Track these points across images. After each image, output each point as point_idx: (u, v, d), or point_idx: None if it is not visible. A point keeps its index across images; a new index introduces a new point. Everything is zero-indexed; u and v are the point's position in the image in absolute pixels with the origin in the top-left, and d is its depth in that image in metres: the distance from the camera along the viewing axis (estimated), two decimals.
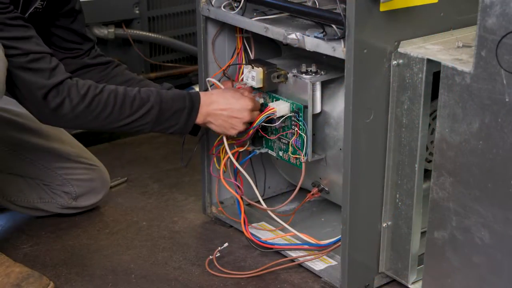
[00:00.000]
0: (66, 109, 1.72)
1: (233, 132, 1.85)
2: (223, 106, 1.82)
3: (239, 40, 1.96)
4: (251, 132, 1.87)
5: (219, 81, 1.94)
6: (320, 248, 1.92)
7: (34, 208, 2.14)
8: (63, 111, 1.72)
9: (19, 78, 1.70)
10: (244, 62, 1.96)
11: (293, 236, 1.99)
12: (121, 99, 1.75)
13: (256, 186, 1.99)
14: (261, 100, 1.90)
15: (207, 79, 1.95)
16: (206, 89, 1.94)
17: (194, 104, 1.80)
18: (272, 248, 1.95)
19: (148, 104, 1.77)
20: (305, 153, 1.84)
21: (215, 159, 2.00)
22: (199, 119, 1.81)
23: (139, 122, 1.78)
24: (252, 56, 1.95)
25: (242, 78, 1.88)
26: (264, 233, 2.03)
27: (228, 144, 1.90)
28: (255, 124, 1.85)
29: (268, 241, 1.96)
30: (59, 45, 1.99)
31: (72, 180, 2.12)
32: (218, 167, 1.97)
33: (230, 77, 1.98)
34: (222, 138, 1.92)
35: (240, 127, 1.84)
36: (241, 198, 1.95)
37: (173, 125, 1.80)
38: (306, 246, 1.94)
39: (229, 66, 1.98)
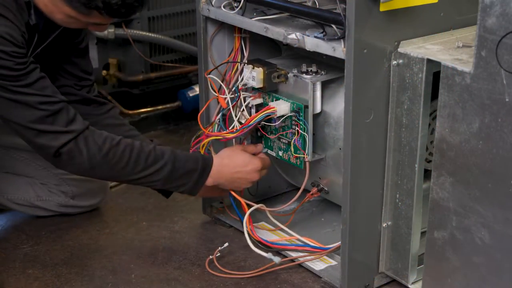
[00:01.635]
0: (83, 158, 1.74)
1: (242, 188, 1.94)
2: (233, 169, 1.89)
3: (236, 40, 1.96)
4: (245, 130, 1.86)
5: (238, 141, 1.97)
6: (322, 252, 1.93)
7: (32, 206, 2.14)
8: (79, 160, 1.75)
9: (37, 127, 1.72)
10: (238, 61, 1.95)
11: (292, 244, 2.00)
12: (137, 153, 1.79)
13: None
14: (260, 100, 1.90)
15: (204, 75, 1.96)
16: (206, 86, 1.95)
17: (206, 167, 1.85)
18: (274, 248, 1.95)
19: (162, 161, 1.81)
20: (307, 152, 1.84)
21: None
22: (209, 181, 1.87)
23: (152, 178, 1.81)
24: (246, 57, 1.95)
25: (242, 78, 1.88)
26: (264, 233, 2.03)
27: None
28: (253, 121, 1.85)
29: (269, 241, 1.97)
30: (64, 75, 2.00)
31: (69, 179, 2.12)
32: None
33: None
34: (200, 135, 1.95)
35: (249, 185, 1.94)
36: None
37: (184, 184, 1.85)
38: (307, 248, 1.94)
39: (222, 64, 1.98)
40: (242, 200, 1.93)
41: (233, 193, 1.94)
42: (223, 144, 1.97)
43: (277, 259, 1.83)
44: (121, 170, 1.78)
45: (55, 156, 1.74)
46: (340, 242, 1.77)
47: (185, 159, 1.84)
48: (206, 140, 1.93)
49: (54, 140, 1.72)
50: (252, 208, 1.92)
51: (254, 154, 1.94)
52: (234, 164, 1.88)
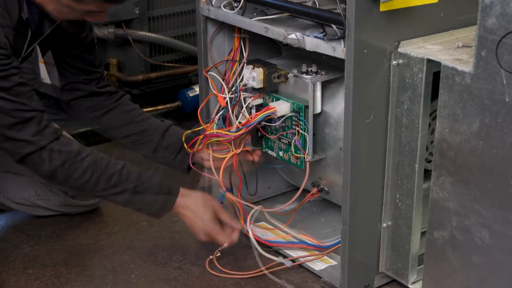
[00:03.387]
0: (45, 171, 1.77)
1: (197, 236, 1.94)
2: (189, 214, 1.89)
3: (236, 40, 1.96)
4: (243, 130, 1.86)
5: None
6: (321, 249, 1.93)
7: (32, 205, 2.14)
8: (42, 170, 1.77)
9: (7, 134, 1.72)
10: (237, 60, 1.95)
11: (294, 236, 2.00)
12: (99, 174, 1.81)
13: (257, 186, 2.00)
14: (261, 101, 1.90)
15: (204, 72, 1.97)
16: (206, 83, 1.94)
17: (167, 203, 1.88)
18: (273, 247, 1.95)
19: (123, 185, 1.83)
20: (308, 152, 1.84)
21: None
22: (173, 210, 1.90)
23: (112, 198, 1.86)
24: (245, 57, 1.95)
25: (242, 78, 1.88)
26: (264, 232, 2.02)
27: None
28: (253, 121, 1.85)
29: (270, 240, 1.97)
30: (71, 70, 2.01)
31: None
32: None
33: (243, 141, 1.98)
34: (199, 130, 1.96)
35: (199, 236, 1.92)
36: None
37: (143, 209, 1.90)
38: (307, 246, 1.94)
39: (221, 63, 1.98)
40: (236, 201, 1.95)
41: (229, 195, 1.96)
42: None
43: (288, 263, 1.84)
44: (82, 185, 1.81)
45: (19, 161, 1.76)
46: (339, 239, 1.77)
47: (149, 188, 1.86)
48: (205, 142, 1.93)
49: (19, 148, 1.73)
50: (253, 210, 1.92)
51: (229, 225, 1.94)
52: (192, 211, 1.90)
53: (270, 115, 1.85)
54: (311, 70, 1.84)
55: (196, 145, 1.94)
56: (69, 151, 1.78)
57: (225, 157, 1.92)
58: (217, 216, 1.92)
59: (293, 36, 1.71)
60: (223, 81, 1.94)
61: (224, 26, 1.98)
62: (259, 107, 1.89)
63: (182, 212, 1.90)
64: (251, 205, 1.97)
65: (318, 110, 1.85)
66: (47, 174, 1.78)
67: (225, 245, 1.94)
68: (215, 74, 1.94)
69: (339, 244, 1.79)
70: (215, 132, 1.91)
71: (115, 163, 1.84)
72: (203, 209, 1.90)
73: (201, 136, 1.93)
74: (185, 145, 1.96)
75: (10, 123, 1.70)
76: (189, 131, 1.98)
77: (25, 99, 1.71)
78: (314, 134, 1.86)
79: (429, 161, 1.78)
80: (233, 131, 1.87)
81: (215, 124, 1.95)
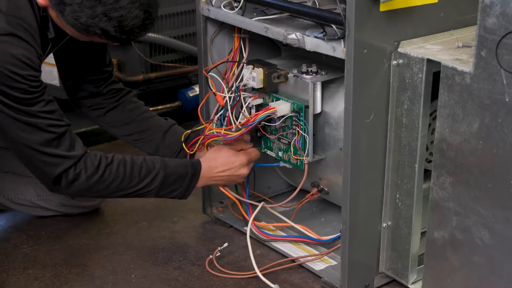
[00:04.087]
0: (82, 181, 1.77)
1: (236, 183, 2.01)
2: (222, 169, 1.92)
3: (236, 40, 1.95)
4: (244, 130, 1.86)
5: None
6: (321, 244, 1.93)
7: (33, 205, 2.14)
8: (78, 182, 1.77)
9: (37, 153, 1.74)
10: (237, 61, 1.95)
11: (295, 231, 2.01)
12: (130, 167, 1.82)
13: (254, 186, 1.99)
14: (261, 101, 1.91)
15: (204, 69, 1.97)
16: (206, 83, 1.95)
17: (196, 171, 1.89)
18: (276, 240, 1.97)
19: (154, 170, 1.84)
20: (307, 153, 1.84)
21: None
22: (199, 184, 1.92)
23: (147, 188, 1.85)
24: (245, 57, 1.95)
25: (242, 79, 1.88)
26: (265, 232, 2.02)
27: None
28: (253, 121, 1.85)
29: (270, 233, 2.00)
30: (81, 71, 2.02)
31: None
32: None
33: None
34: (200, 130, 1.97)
35: (241, 180, 1.98)
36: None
37: (175, 189, 1.88)
38: (307, 240, 1.96)
39: (221, 63, 1.98)
40: (234, 198, 1.97)
41: (227, 193, 1.97)
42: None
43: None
44: (117, 186, 1.81)
45: (55, 182, 1.77)
46: (339, 234, 1.77)
47: (175, 165, 1.88)
48: (205, 142, 1.93)
49: (56, 167, 1.74)
50: (255, 212, 1.94)
51: (244, 149, 1.97)
52: (221, 164, 1.91)
53: (270, 115, 1.85)
54: (311, 70, 1.84)
55: (196, 146, 1.95)
56: (98, 157, 1.79)
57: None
58: (234, 149, 1.95)
59: (293, 36, 1.71)
60: (222, 80, 1.94)
61: (224, 26, 1.98)
62: (259, 107, 1.89)
63: (212, 173, 1.91)
64: (253, 202, 1.98)
65: (318, 110, 1.85)
66: (83, 188, 1.78)
67: (225, 244, 1.94)
68: (215, 75, 1.94)
69: (339, 239, 1.80)
70: (214, 132, 1.91)
71: (136, 157, 1.86)
72: (223, 156, 1.92)
73: (201, 137, 1.93)
74: (183, 145, 1.97)
75: (48, 140, 1.72)
76: (189, 131, 1.99)
77: (58, 115, 1.74)
78: (314, 134, 1.86)
79: (429, 161, 1.78)
80: (233, 131, 1.87)
81: (214, 124, 1.95)
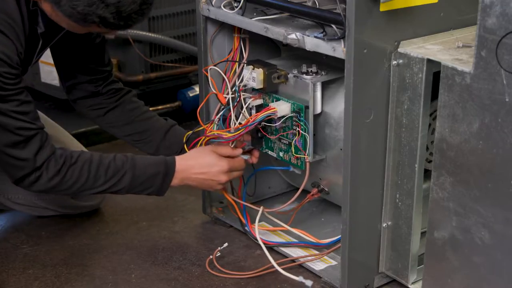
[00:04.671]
0: (43, 182, 1.76)
1: (212, 190, 1.95)
2: (199, 170, 1.88)
3: (236, 40, 1.95)
4: (244, 131, 1.86)
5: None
6: (321, 247, 1.93)
7: (33, 205, 2.14)
8: (39, 184, 1.76)
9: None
10: (237, 60, 1.95)
11: (294, 235, 2.00)
12: (95, 168, 1.80)
13: (256, 187, 1.99)
14: (256, 106, 1.90)
15: (205, 67, 1.97)
16: (206, 83, 1.95)
17: (168, 170, 1.86)
18: (274, 245, 1.96)
19: (121, 171, 1.82)
20: (308, 153, 1.84)
21: None
22: (174, 182, 1.88)
23: (114, 188, 1.83)
24: (245, 57, 1.94)
25: (242, 79, 1.88)
26: (264, 233, 2.02)
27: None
28: (254, 122, 1.85)
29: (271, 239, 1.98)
30: (79, 70, 2.01)
31: None
32: None
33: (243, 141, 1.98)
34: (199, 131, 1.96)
35: (218, 187, 1.92)
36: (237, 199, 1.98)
37: (148, 188, 1.86)
38: (307, 244, 1.95)
39: (221, 62, 1.98)
40: (231, 200, 1.96)
41: (226, 195, 1.97)
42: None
43: (309, 283, 1.83)
44: (81, 187, 1.80)
45: (17, 182, 1.76)
46: (338, 239, 1.77)
47: (146, 165, 1.85)
48: (204, 140, 1.93)
49: (19, 169, 1.73)
50: (257, 218, 1.94)
51: (231, 156, 1.92)
52: (199, 165, 1.88)
53: (270, 116, 1.85)
54: (311, 71, 1.84)
55: (197, 146, 1.94)
56: (63, 156, 1.77)
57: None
58: (218, 154, 1.91)
59: (293, 36, 1.71)
60: (222, 81, 1.94)
61: (224, 26, 1.98)
62: (259, 108, 1.89)
63: (189, 172, 1.87)
64: (252, 206, 1.98)
65: (318, 110, 1.85)
66: (45, 188, 1.77)
67: (225, 244, 1.94)
68: (216, 72, 1.93)
69: (339, 242, 1.80)
70: (215, 133, 1.90)
71: (106, 155, 1.84)
72: (204, 157, 1.89)
73: (202, 138, 1.93)
74: (185, 146, 1.96)
75: (14, 142, 1.70)
76: (191, 132, 1.98)
77: (31, 118, 1.72)
78: (314, 135, 1.86)
79: (429, 161, 1.78)
80: (233, 131, 1.87)
81: (215, 125, 1.95)
